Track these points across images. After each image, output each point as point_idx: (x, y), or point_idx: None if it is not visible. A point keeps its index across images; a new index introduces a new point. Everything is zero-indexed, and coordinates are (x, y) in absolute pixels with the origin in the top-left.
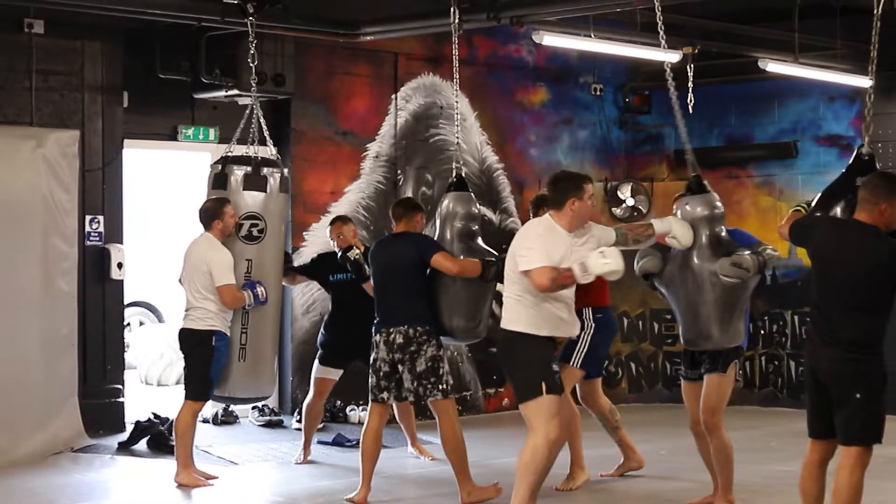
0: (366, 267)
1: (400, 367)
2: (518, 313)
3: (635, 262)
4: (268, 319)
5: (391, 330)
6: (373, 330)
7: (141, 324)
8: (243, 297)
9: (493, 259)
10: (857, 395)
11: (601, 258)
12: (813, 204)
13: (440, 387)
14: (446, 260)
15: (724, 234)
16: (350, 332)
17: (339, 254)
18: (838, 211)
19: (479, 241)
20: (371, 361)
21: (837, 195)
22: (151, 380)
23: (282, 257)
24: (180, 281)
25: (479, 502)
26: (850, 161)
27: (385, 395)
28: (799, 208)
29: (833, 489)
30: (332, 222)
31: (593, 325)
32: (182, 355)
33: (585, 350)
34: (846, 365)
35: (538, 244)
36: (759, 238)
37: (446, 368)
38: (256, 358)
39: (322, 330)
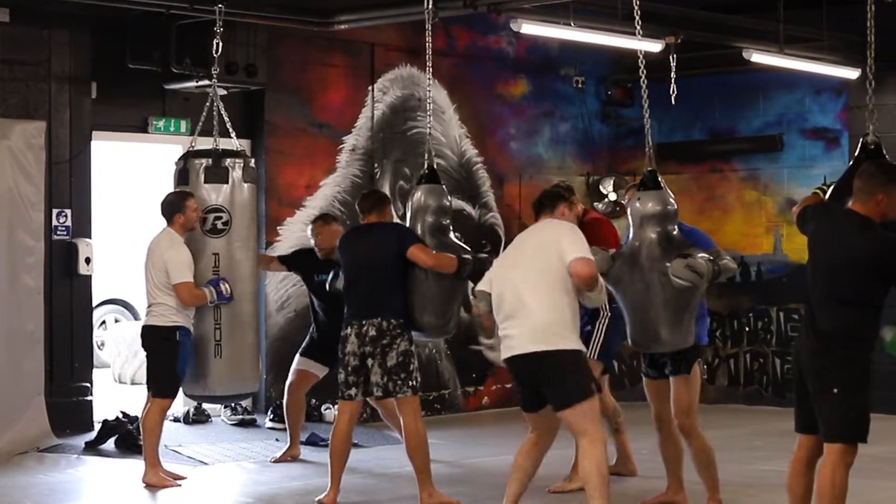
0: None
1: (370, 361)
2: (571, 329)
3: None
4: (244, 313)
5: (364, 322)
6: (343, 324)
7: (116, 321)
8: (203, 295)
9: (469, 257)
10: (834, 391)
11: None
12: (828, 194)
13: (410, 383)
14: (423, 253)
15: (675, 232)
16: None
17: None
18: (850, 203)
19: (452, 235)
20: (340, 357)
21: (846, 188)
22: (125, 378)
23: (254, 249)
24: None
25: None
26: (857, 151)
27: (353, 391)
28: (817, 191)
29: (815, 488)
30: (315, 220)
31: (608, 314)
32: (145, 353)
33: (601, 341)
34: (824, 358)
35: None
36: (743, 232)
37: (416, 365)
38: (235, 353)
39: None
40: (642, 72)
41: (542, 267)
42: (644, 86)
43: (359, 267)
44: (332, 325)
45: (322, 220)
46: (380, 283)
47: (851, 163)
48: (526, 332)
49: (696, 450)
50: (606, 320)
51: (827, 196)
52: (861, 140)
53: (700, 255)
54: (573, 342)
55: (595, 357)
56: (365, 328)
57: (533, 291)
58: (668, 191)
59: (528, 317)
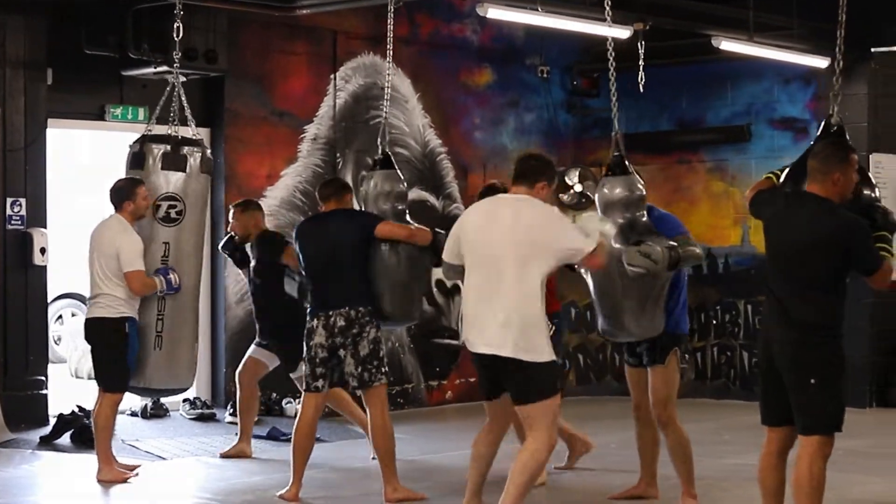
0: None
1: (341, 352)
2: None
3: None
4: (186, 305)
5: (331, 313)
6: (308, 315)
7: (73, 315)
8: (153, 284)
9: (443, 231)
10: (812, 381)
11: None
12: (782, 178)
13: (382, 370)
14: (395, 226)
15: (643, 218)
16: (259, 315)
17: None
18: (805, 185)
19: (409, 220)
20: (306, 349)
21: (803, 169)
22: (82, 373)
23: (202, 241)
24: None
25: (405, 501)
26: (819, 131)
27: (320, 382)
28: (770, 175)
29: (793, 481)
30: (235, 206)
31: (553, 327)
32: (91, 346)
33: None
34: (799, 348)
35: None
36: (711, 224)
37: (385, 350)
38: (174, 346)
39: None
40: (611, 54)
41: (526, 253)
42: (612, 68)
43: (321, 256)
44: (264, 308)
45: (241, 206)
46: (344, 272)
47: (812, 144)
48: (498, 328)
49: (673, 442)
50: (552, 331)
51: (782, 178)
52: (824, 121)
53: (664, 242)
54: (545, 353)
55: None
56: (333, 319)
57: (513, 280)
58: (637, 176)
59: (503, 310)
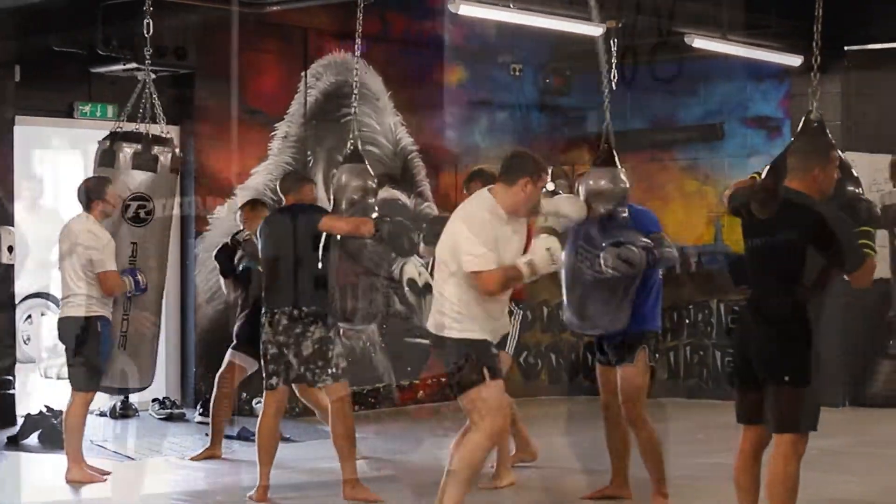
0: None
1: (285, 350)
2: (459, 316)
3: None
4: (149, 305)
5: (275, 311)
6: (261, 312)
7: (42, 314)
8: (125, 284)
9: (387, 218)
10: (786, 378)
11: (548, 257)
12: (763, 175)
13: (329, 371)
14: (337, 220)
15: (624, 214)
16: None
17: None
18: (786, 181)
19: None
20: (261, 346)
21: (785, 166)
22: (51, 373)
23: (168, 240)
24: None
25: (362, 502)
26: (800, 128)
27: (274, 380)
28: (754, 175)
29: (766, 481)
30: (243, 206)
31: (521, 312)
32: (64, 346)
33: (517, 336)
34: (773, 345)
35: (484, 236)
36: (683, 223)
37: (337, 351)
38: (137, 345)
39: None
40: (606, 46)
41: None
42: (604, 61)
43: (274, 253)
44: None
45: (250, 205)
46: (293, 270)
47: (792, 140)
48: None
49: (644, 441)
50: (520, 317)
51: (763, 174)
52: (804, 117)
53: (640, 240)
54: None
55: (511, 352)
56: (276, 317)
57: (446, 273)
58: (622, 168)
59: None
